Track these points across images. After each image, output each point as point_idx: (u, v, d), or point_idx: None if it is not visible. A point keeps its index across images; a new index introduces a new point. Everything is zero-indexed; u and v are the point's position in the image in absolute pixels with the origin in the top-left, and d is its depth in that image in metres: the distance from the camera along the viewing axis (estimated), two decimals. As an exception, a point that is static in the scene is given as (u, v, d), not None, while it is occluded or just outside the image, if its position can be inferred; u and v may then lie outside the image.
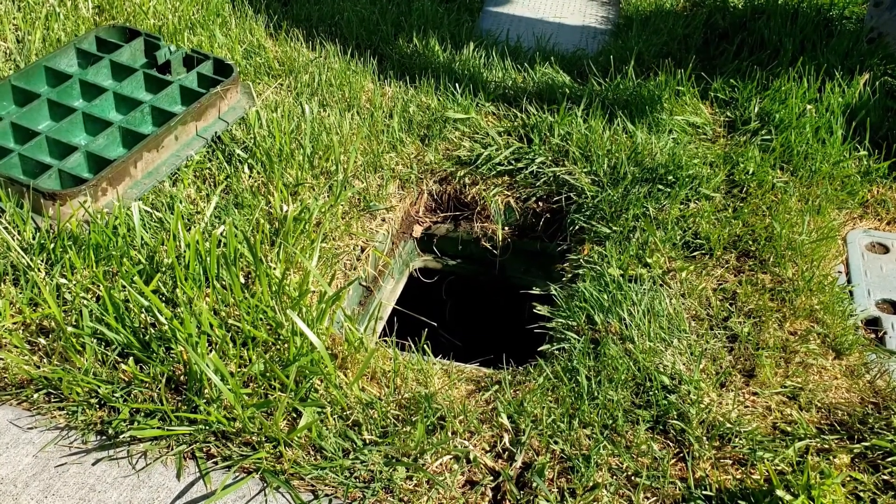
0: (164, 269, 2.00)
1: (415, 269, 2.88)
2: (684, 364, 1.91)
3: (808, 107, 2.84)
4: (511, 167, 2.70)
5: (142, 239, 2.10)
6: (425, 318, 2.31)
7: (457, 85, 2.99)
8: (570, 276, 2.34)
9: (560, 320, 2.09)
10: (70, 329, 1.82)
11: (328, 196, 2.45)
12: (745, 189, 2.53)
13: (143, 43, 2.82)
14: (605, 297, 2.09)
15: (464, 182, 2.74)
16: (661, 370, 1.87)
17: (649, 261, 2.22)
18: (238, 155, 2.50)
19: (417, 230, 2.79)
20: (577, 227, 2.49)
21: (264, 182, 2.43)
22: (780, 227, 2.33)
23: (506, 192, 2.71)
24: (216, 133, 2.58)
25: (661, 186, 2.48)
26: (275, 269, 2.06)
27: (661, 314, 2.03)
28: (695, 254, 2.29)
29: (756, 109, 2.87)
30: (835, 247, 2.38)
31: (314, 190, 2.45)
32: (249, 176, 2.43)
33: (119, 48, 2.76)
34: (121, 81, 2.66)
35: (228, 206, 2.29)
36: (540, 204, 2.69)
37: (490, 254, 2.79)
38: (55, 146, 2.38)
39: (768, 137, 2.74)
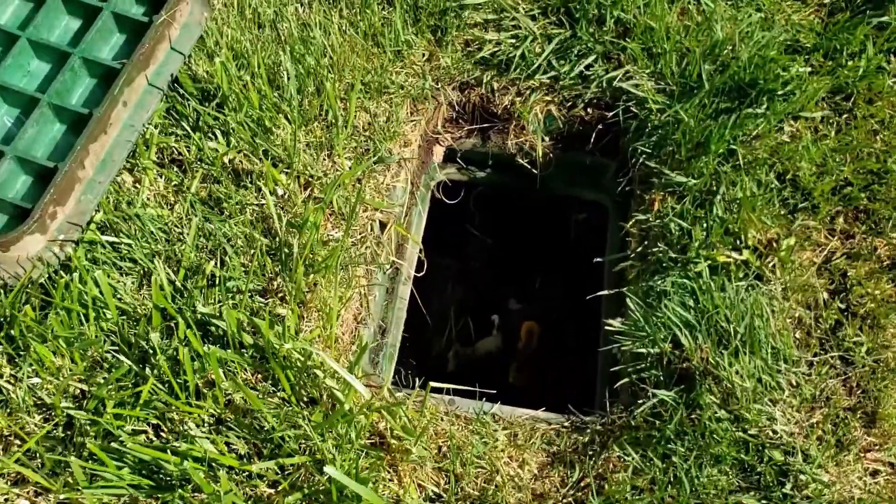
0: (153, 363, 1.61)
1: (436, 188, 2.40)
2: (796, 424, 1.60)
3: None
4: (552, 70, 2.12)
5: (118, 309, 1.67)
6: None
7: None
8: (639, 248, 1.93)
9: (638, 344, 1.74)
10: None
11: (327, 158, 1.94)
12: (851, 98, 1.99)
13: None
14: (692, 305, 1.73)
15: (492, 87, 2.18)
16: (771, 438, 1.58)
17: (742, 239, 1.80)
18: (206, 118, 1.92)
19: (438, 151, 2.29)
20: (639, 161, 2.02)
21: (246, 154, 1.91)
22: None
23: (546, 98, 2.17)
24: (172, 75, 1.97)
25: (748, 110, 1.93)
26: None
27: (763, 339, 1.67)
28: (795, 215, 1.86)
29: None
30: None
31: (311, 155, 1.93)
32: (227, 149, 1.90)
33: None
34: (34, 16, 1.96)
35: (212, 218, 1.81)
36: (589, 111, 2.16)
37: (527, 169, 2.31)
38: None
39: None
